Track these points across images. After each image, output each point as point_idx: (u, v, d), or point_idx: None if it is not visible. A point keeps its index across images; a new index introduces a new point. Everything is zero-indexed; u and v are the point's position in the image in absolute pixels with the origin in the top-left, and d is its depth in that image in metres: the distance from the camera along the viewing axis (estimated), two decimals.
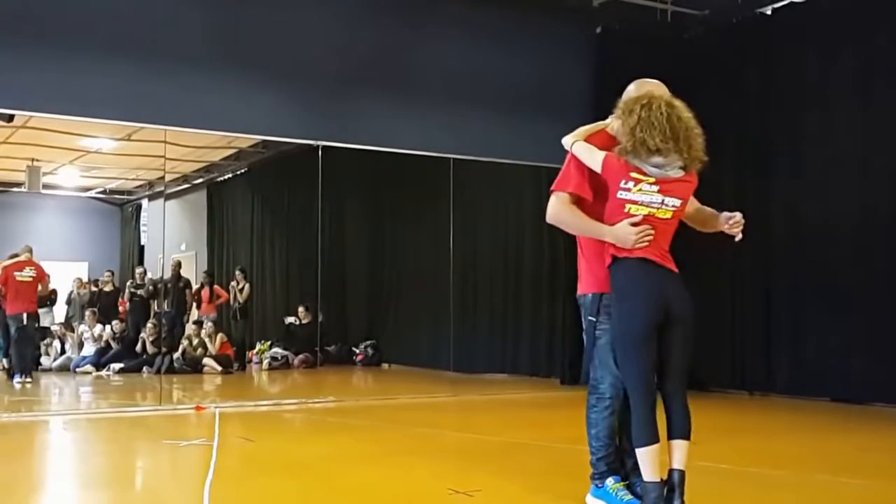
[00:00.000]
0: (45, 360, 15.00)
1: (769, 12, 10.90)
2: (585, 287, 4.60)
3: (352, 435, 8.04)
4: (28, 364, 12.69)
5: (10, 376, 12.51)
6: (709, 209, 4.64)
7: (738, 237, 4.50)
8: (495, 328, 14.33)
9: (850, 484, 5.52)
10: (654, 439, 4.14)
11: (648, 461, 4.13)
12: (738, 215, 4.48)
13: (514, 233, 14.12)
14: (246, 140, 14.48)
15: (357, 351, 16.80)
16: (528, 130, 11.26)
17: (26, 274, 12.63)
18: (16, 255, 12.92)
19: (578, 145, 4.44)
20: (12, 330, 12.50)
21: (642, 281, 4.19)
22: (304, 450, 7.19)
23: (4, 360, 13.14)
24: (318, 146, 11.14)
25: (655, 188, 4.18)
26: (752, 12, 11.00)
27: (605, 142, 4.47)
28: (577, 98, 11.43)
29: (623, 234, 4.21)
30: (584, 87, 11.56)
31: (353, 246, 17.39)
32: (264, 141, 14.19)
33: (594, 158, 4.33)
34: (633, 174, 4.19)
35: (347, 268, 17.31)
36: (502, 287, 14.28)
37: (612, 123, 4.48)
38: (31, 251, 12.96)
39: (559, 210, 4.50)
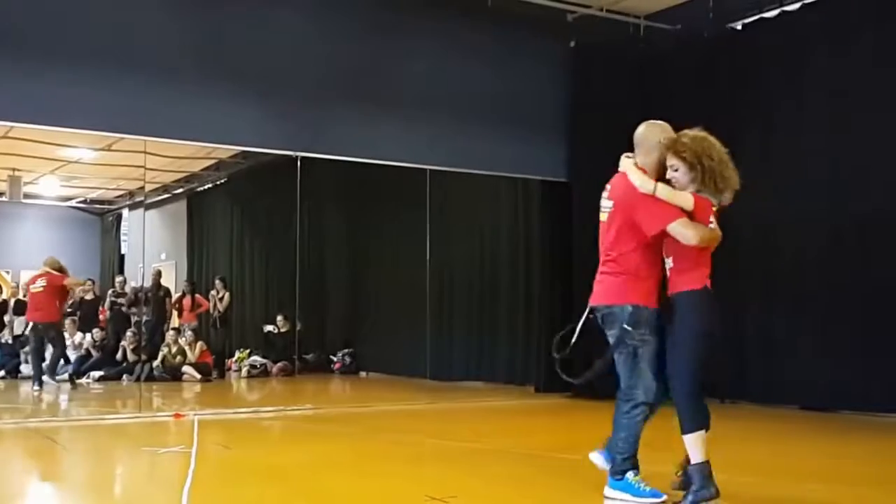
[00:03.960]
0: (24, 368, 14.98)
1: (740, 27, 11.08)
2: (623, 298, 4.94)
3: (329, 442, 8.13)
4: (40, 371, 12.98)
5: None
6: None
7: None
8: (472, 337, 14.42)
9: (815, 490, 5.62)
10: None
11: (702, 444, 4.76)
12: None
13: (490, 243, 14.24)
14: (226, 151, 14.56)
15: (335, 359, 16.88)
16: (505, 142, 11.36)
17: (38, 285, 13.03)
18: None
19: (661, 188, 4.89)
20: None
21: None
22: (282, 457, 7.26)
23: None
24: (297, 157, 11.22)
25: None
26: (723, 28, 11.16)
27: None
28: (553, 111, 11.61)
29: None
30: (559, 100, 11.69)
31: (332, 255, 17.49)
32: (244, 152, 14.27)
33: (682, 199, 4.87)
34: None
35: (326, 277, 17.40)
36: (478, 296, 14.39)
37: (638, 159, 5.05)
38: (49, 262, 13.22)
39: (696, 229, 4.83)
